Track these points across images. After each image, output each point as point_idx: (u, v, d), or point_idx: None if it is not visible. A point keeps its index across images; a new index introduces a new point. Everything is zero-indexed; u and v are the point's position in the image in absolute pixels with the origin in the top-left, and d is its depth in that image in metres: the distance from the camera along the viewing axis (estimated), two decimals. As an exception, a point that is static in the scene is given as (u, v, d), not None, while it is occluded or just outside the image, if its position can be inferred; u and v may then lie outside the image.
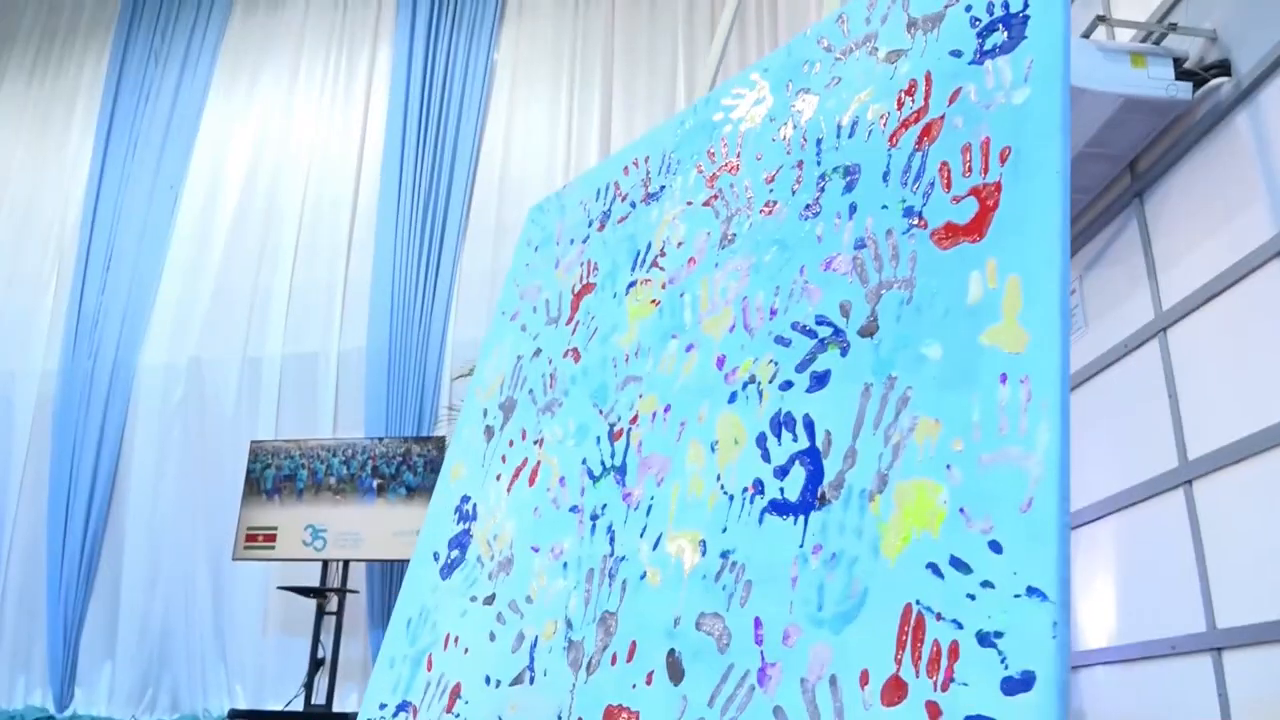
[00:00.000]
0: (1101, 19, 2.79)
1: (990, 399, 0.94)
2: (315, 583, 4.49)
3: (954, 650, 0.85)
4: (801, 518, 1.06)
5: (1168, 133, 2.62)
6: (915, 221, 1.13)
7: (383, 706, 1.52)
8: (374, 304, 5.24)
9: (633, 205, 1.69)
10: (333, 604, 4.45)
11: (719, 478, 1.20)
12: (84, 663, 5.07)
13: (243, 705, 4.76)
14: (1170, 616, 2.44)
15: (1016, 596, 0.83)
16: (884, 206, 1.18)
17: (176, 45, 6.14)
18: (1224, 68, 2.41)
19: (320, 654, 4.39)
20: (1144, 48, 2.60)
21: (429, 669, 1.49)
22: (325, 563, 4.51)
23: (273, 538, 4.60)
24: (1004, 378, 0.94)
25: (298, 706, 4.44)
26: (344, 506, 4.57)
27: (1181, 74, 2.50)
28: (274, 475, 4.73)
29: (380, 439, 4.68)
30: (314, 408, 5.22)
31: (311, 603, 4.51)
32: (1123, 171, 2.85)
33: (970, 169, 1.09)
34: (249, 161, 5.79)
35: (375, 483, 4.57)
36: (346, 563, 4.52)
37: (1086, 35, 2.66)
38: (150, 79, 6.08)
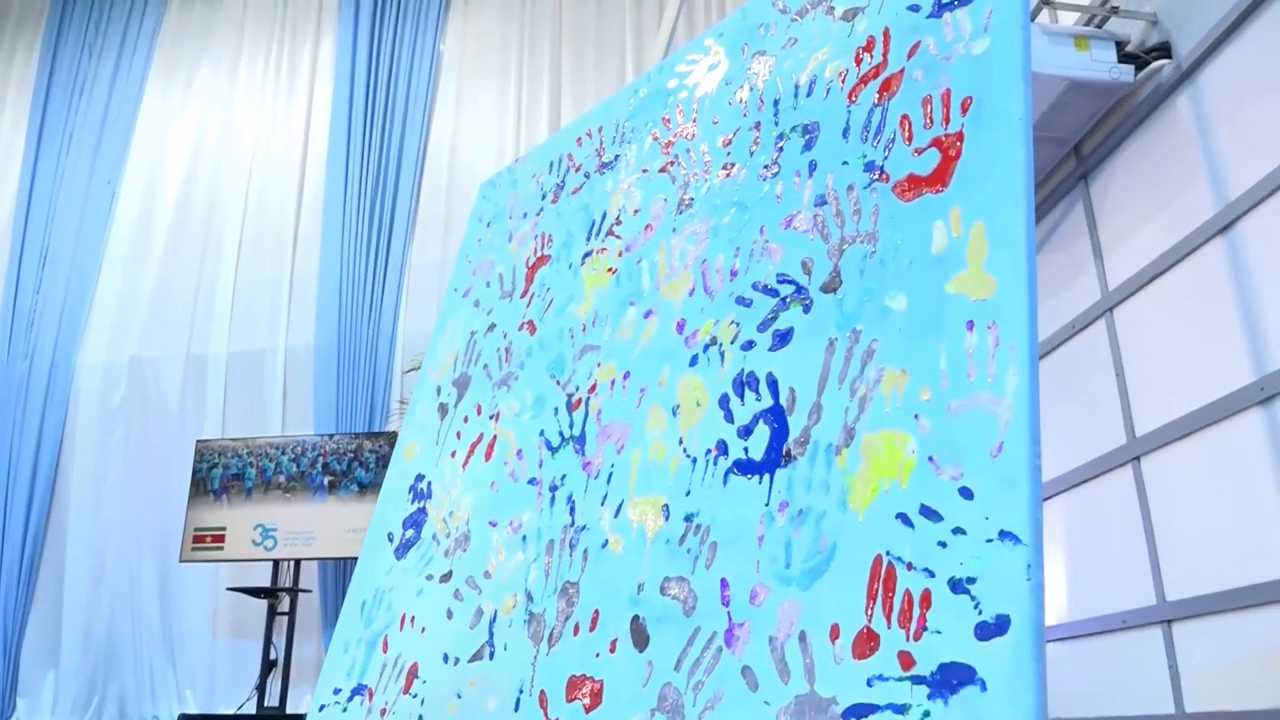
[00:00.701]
0: (1046, 2, 2.82)
1: (958, 346, 0.92)
2: (266, 583, 4.39)
3: (926, 599, 0.84)
4: (767, 476, 1.04)
5: (1111, 115, 2.65)
6: (877, 175, 1.11)
7: (337, 691, 1.47)
8: (322, 299, 5.14)
9: (586, 176, 1.66)
10: (285, 604, 4.36)
11: (681, 441, 1.17)
12: (26, 672, 4.90)
13: (193, 710, 4.63)
14: (1121, 591, 2.46)
15: (989, 541, 0.81)
16: (844, 162, 1.17)
17: (111, 36, 5.97)
18: (1165, 50, 2.44)
19: (273, 655, 4.29)
20: (1087, 31, 2.63)
21: (385, 650, 1.44)
22: (276, 562, 4.40)
23: (221, 538, 4.49)
24: (971, 325, 0.92)
25: (250, 709, 4.34)
26: (294, 505, 4.47)
27: (1124, 57, 2.54)
28: (221, 475, 4.61)
29: (331, 436, 4.58)
30: (262, 405, 5.11)
31: (263, 604, 4.41)
32: (1068, 154, 2.88)
33: (931, 120, 1.08)
34: (189, 155, 5.64)
35: (326, 480, 4.48)
36: (298, 562, 4.43)
37: (1031, 19, 2.69)
38: (84, 71, 5.90)
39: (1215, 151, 2.26)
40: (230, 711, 4.55)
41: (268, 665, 4.27)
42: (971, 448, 0.86)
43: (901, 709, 0.80)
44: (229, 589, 4.53)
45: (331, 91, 5.52)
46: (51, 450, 5.15)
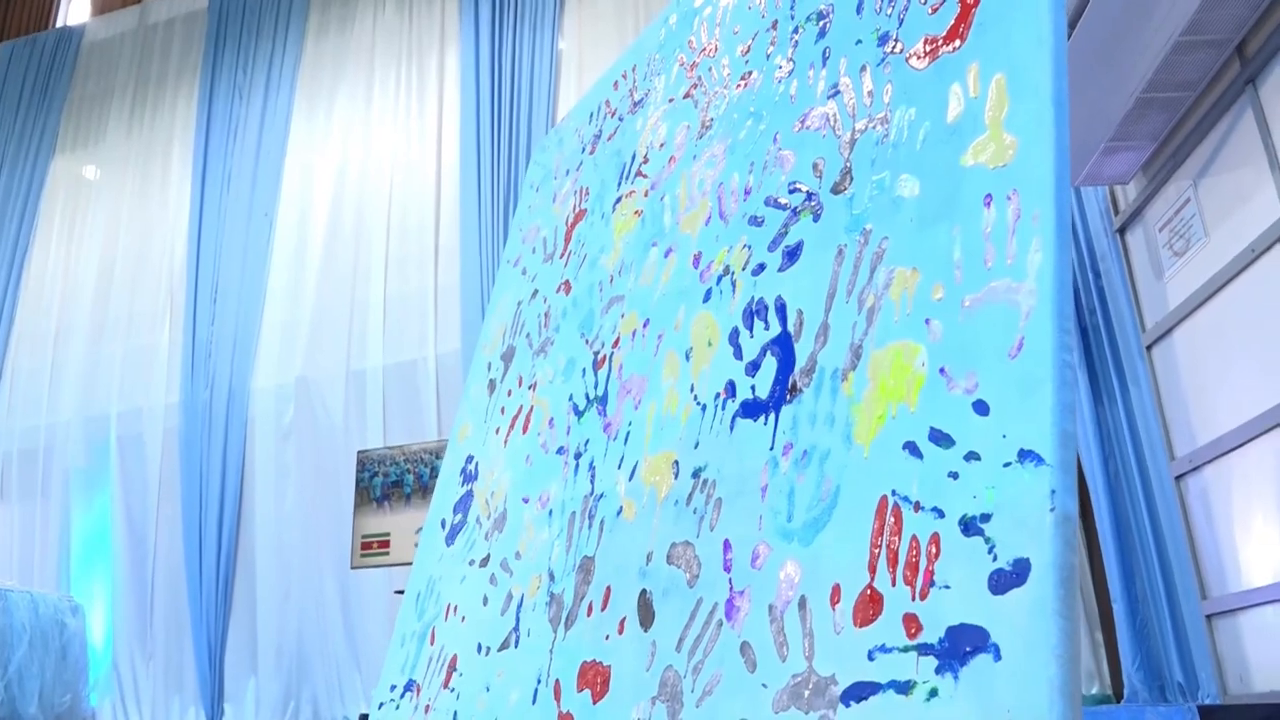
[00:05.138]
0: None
1: (973, 228, 0.73)
2: (429, 586, 4.49)
3: (934, 545, 0.65)
4: (772, 415, 0.88)
5: (1278, 5, 2.26)
6: (891, 48, 0.93)
7: (393, 688, 1.40)
8: (465, 306, 5.22)
9: (620, 119, 1.52)
10: (447, 606, 4.43)
11: (693, 388, 1.02)
12: (230, 679, 5.23)
13: (375, 712, 4.80)
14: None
15: (1006, 465, 0.62)
16: (858, 42, 0.98)
17: (257, 77, 6.30)
18: (1339, -87, 2.06)
19: (439, 656, 4.36)
20: (1241, -99, 2.25)
21: (432, 643, 1.36)
22: (437, 565, 4.49)
23: (386, 544, 4.61)
24: (989, 199, 0.73)
25: (423, 710, 4.44)
26: (451, 508, 4.55)
27: (1288, -69, 2.15)
28: (382, 483, 4.75)
29: (479, 437, 4.64)
30: (418, 413, 5.23)
31: (427, 606, 4.51)
32: (1229, 58, 2.48)
33: (948, -32, 0.88)
34: (334, 182, 5.86)
35: (478, 481, 4.53)
36: (457, 563, 4.50)
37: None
38: (236, 113, 6.26)
39: None
40: (409, 712, 4.67)
41: (437, 666, 4.36)
42: (987, 351, 0.67)
43: (905, 687, 0.62)
44: (397, 592, 4.66)
45: (459, 101, 5.60)
46: (236, 472, 5.48)
